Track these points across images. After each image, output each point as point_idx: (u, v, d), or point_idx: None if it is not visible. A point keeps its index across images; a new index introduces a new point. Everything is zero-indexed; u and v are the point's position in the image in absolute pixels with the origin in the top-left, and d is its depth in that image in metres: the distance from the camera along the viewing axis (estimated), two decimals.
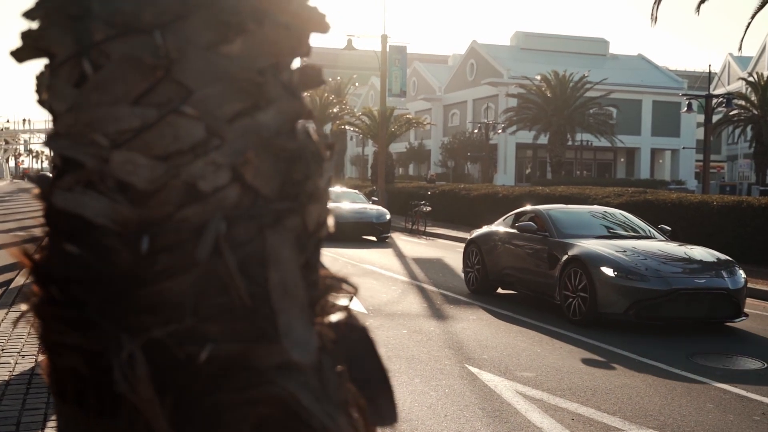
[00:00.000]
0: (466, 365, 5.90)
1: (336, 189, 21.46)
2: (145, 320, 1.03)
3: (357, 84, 45.79)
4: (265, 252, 1.07)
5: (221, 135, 1.07)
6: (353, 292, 1.21)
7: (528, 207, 10.48)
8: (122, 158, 1.03)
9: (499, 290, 10.31)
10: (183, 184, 1.04)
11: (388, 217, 18.57)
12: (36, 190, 1.09)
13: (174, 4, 1.06)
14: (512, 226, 9.84)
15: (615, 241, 8.65)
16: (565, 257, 8.29)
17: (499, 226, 10.22)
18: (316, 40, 1.18)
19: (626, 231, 9.44)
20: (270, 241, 1.08)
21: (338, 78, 42.23)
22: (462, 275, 11.79)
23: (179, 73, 1.05)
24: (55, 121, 1.10)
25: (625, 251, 8.09)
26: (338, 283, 1.22)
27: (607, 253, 7.99)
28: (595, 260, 7.90)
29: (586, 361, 6.20)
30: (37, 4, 1.05)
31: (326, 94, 39.69)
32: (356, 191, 22.18)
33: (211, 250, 1.03)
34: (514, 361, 6.11)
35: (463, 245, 17.80)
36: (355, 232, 18.05)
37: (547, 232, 9.00)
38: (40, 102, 1.13)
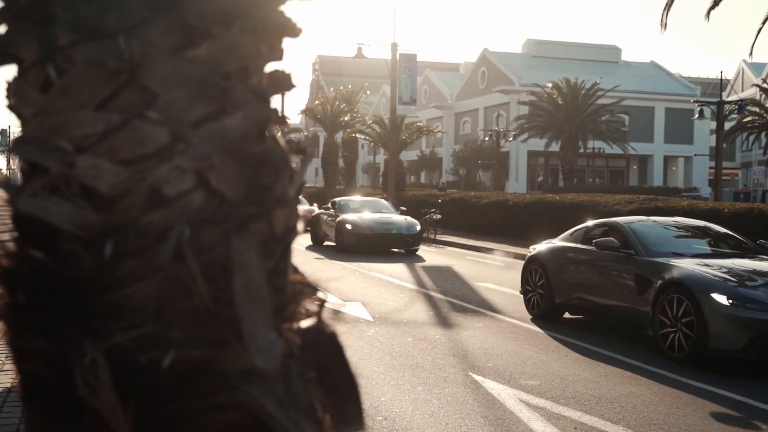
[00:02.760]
0: (470, 373, 5.88)
1: (356, 198, 20.16)
2: (108, 325, 1.03)
3: (368, 92, 45.80)
4: (229, 257, 1.06)
5: (186, 139, 1.06)
6: (323, 298, 1.20)
7: (599, 220, 9.15)
8: (86, 163, 1.03)
9: (508, 305, 10.24)
10: (147, 188, 1.04)
11: (418, 227, 16.86)
12: (4, 195, 1.09)
13: (138, 9, 1.06)
14: (584, 242, 8.40)
15: (718, 261, 7.20)
16: (660, 281, 6.88)
17: (566, 242, 8.77)
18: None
19: (725, 248, 8.00)
20: (235, 246, 1.07)
21: (349, 86, 42.25)
22: (472, 284, 11.76)
23: (144, 78, 1.04)
24: (22, 126, 1.10)
25: (735, 273, 6.72)
26: (309, 289, 1.21)
27: (716, 276, 6.60)
28: (703, 285, 6.49)
29: (592, 370, 6.16)
30: (2, 9, 1.06)
31: (337, 103, 39.74)
32: (382, 199, 20.62)
33: (174, 255, 1.02)
34: (519, 369, 6.08)
35: (482, 255, 17.97)
36: (383, 245, 16.41)
37: (633, 249, 7.52)
38: (9, 107, 1.13)
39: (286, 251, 1.17)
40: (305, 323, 1.19)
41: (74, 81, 1.07)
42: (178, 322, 1.07)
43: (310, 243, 18.15)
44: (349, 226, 16.36)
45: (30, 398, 1.12)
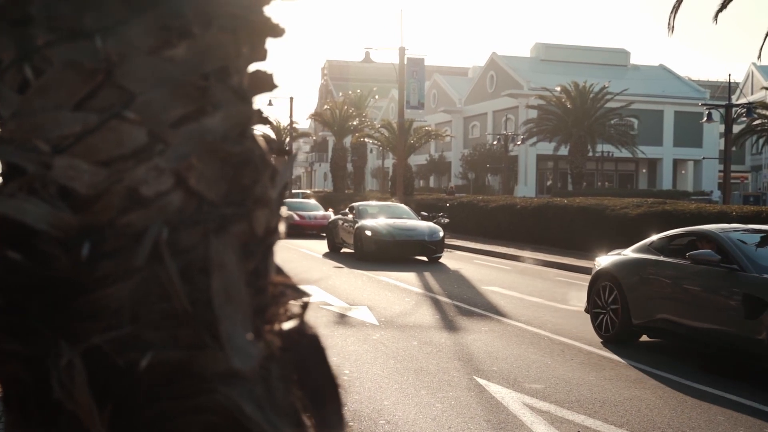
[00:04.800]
0: (475, 377, 5.85)
1: (376, 203, 19.35)
2: (85, 327, 1.02)
3: (377, 96, 45.86)
4: (208, 258, 1.06)
5: (165, 140, 1.05)
6: (306, 299, 1.19)
7: (684, 228, 7.93)
8: (64, 164, 1.02)
9: (515, 311, 10.21)
10: (125, 189, 1.03)
11: (441, 234, 15.86)
12: None
13: (116, 8, 1.05)
14: (669, 254, 7.26)
15: None
16: None
17: (643, 253, 7.55)
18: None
19: None
20: (214, 247, 1.06)
21: (358, 91, 42.29)
22: (478, 288, 11.72)
23: (121, 78, 1.04)
24: (2, 127, 1.09)
25: None
26: (291, 290, 1.20)
27: None
28: None
29: (597, 373, 6.13)
30: None
31: (346, 107, 39.80)
32: (402, 204, 19.64)
33: (151, 256, 1.02)
34: (524, 373, 6.05)
35: (489, 258, 17.96)
36: (403, 252, 15.62)
37: (737, 264, 6.38)
38: None
39: (268, 252, 1.16)
40: (287, 325, 1.17)
41: (51, 81, 1.07)
42: (156, 323, 1.06)
43: (327, 250, 17.79)
44: (368, 233, 15.65)
45: (9, 399, 1.11)
